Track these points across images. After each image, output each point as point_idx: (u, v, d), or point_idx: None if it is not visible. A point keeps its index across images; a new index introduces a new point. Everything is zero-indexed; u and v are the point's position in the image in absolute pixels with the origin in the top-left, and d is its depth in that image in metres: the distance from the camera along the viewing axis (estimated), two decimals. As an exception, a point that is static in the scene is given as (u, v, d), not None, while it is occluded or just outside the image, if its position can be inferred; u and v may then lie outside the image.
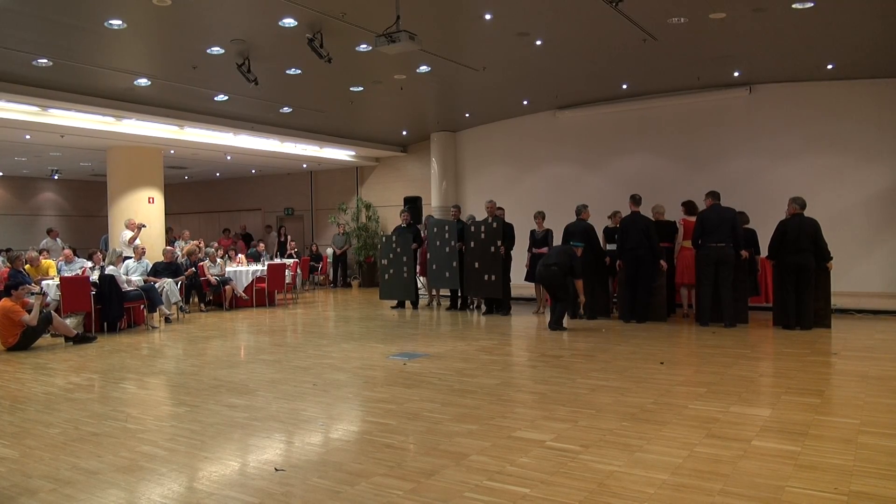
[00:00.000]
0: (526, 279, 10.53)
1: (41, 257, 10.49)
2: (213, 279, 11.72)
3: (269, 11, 7.45)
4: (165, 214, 13.66)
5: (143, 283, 9.98)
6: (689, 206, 9.44)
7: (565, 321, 8.72)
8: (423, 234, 11.88)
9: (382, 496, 3.19)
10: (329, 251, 16.80)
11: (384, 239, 11.59)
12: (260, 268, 12.52)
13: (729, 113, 11.70)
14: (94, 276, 9.38)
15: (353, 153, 16.09)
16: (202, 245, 13.20)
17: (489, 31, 8.44)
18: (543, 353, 7.06)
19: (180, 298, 10.63)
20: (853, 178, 10.76)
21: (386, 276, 11.39)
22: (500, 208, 10.64)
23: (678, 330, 8.48)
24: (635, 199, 9.27)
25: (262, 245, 14.80)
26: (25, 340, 7.94)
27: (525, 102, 12.92)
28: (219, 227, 19.40)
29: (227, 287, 11.87)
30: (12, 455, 3.97)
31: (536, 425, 4.31)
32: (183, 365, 6.89)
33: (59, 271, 10.25)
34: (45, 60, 8.54)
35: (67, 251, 10.80)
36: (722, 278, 8.46)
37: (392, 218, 15.27)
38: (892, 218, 10.53)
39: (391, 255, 11.30)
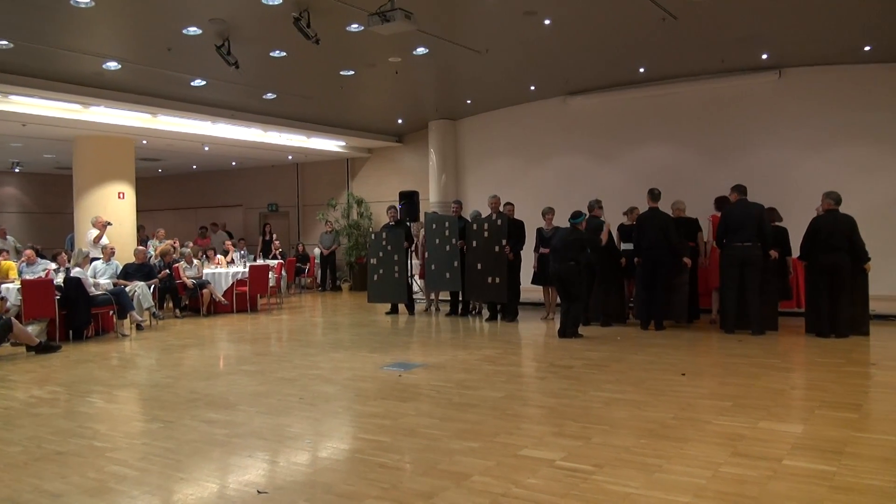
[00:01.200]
0: (533, 282, 10.53)
1: (0, 258, 10.48)
2: (189, 282, 11.71)
3: (250, -12, 7.45)
4: (137, 211, 13.65)
5: (112, 287, 9.96)
6: (719, 202, 9.41)
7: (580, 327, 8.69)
8: (420, 234, 11.86)
9: (376, 521, 3.18)
10: (317, 251, 16.81)
11: (373, 236, 11.60)
12: (241, 269, 12.52)
13: (756, 99, 11.70)
14: (59, 279, 9.37)
15: (343, 144, 16.08)
16: (177, 245, 13.20)
17: (493, 9, 8.44)
18: (552, 363, 7.05)
19: (153, 303, 10.62)
20: (892, 170, 10.75)
21: (375, 277, 11.38)
22: (509, 204, 10.62)
23: (701, 337, 8.48)
24: (653, 195, 9.25)
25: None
26: (-17, 350, 7.94)
27: (532, 88, 12.92)
28: (196, 225, 19.39)
29: (205, 291, 11.86)
30: (-32, 476, 3.96)
31: (545, 442, 4.31)
32: (156, 376, 6.88)
33: (20, 273, 10.23)
34: (5, 42, 8.53)
35: (29, 251, 10.78)
36: (748, 281, 8.45)
37: (386, 214, 15.25)
38: (935, 214, 10.53)
39: (381, 254, 11.29)
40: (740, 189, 8.71)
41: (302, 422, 4.98)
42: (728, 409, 5.00)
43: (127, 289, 10.09)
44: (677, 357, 7.19)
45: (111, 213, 12.55)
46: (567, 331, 8.50)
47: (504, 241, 10.00)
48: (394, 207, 12.04)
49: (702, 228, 9.56)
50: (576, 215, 8.66)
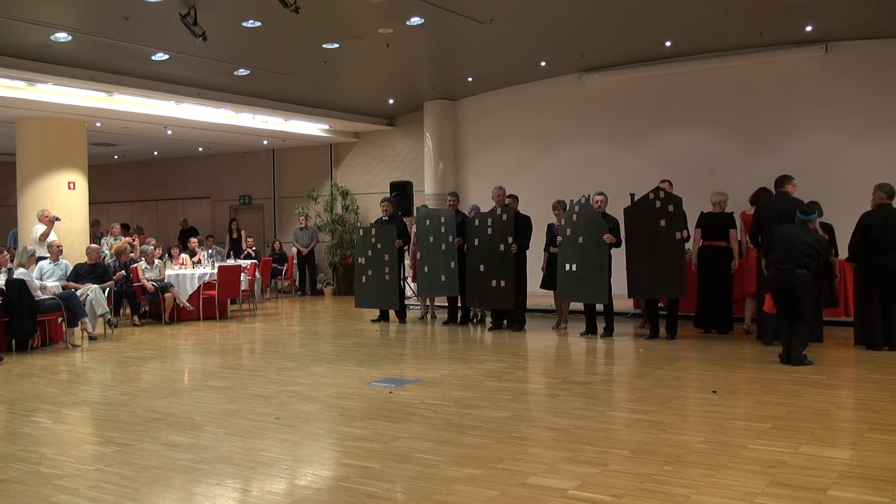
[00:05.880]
0: (542, 286, 10.53)
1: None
2: (149, 285, 11.70)
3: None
4: (90, 203, 13.63)
5: (61, 291, 9.96)
6: (755, 196, 9.38)
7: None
8: (413, 230, 11.86)
9: (362, 559, 3.18)
10: (294, 250, 16.81)
11: (361, 232, 11.59)
12: (209, 271, 12.51)
13: (799, 77, 11.70)
14: (0, 282, 9.36)
15: (326, 127, 16.08)
16: (136, 242, 13.17)
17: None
18: (565, 378, 7.06)
19: (108, 309, 10.61)
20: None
21: (363, 279, 11.37)
22: (511, 196, 10.63)
23: (734, 350, 8.49)
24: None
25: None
26: (-88, 362, 7.93)
27: (543, 64, 12.91)
28: (157, 219, 19.37)
29: (167, 295, 11.86)
30: None
31: (556, 470, 4.31)
32: (111, 393, 6.88)
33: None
34: (-62, 9, 8.53)
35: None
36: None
37: (375, 208, 15.28)
38: None
39: (369, 253, 11.27)
40: (778, 181, 8.69)
41: (278, 445, 4.97)
42: (766, 432, 5.01)
43: (78, 293, 10.08)
44: (707, 372, 7.19)
45: (60, 205, 12.53)
46: (792, 356, 7.42)
47: (510, 239, 10.01)
48: (388, 199, 12.03)
49: (736, 226, 9.56)
50: (809, 210, 7.70)
